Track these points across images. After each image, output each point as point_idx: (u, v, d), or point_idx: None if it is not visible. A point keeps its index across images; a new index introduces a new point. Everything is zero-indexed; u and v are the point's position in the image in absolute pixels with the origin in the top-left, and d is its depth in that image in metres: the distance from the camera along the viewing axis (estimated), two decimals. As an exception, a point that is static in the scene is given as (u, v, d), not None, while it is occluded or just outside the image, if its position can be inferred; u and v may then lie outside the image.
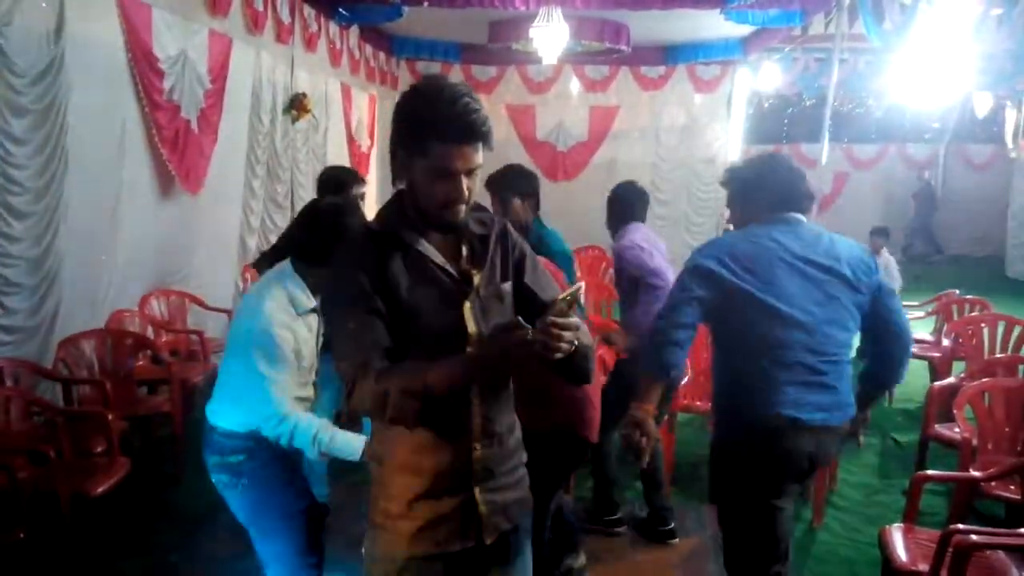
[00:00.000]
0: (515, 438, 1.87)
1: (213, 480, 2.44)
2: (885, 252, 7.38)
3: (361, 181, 3.94)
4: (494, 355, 1.54)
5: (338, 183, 3.78)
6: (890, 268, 6.95)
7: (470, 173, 1.67)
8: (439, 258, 1.72)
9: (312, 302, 2.42)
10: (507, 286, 1.81)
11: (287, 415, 2.30)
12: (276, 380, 2.31)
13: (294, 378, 2.38)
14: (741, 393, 2.45)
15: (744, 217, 2.66)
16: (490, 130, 1.65)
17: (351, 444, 2.34)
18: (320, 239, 2.39)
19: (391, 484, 1.76)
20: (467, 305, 1.72)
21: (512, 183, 3.47)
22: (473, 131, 1.62)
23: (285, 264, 2.46)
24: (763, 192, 2.58)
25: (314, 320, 2.47)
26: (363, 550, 1.85)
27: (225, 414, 2.43)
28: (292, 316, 2.37)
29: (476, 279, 1.75)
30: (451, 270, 1.73)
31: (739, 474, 2.49)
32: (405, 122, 1.67)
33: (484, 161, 1.69)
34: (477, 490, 1.76)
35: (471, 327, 1.71)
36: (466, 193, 1.67)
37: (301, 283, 2.41)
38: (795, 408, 2.36)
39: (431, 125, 1.61)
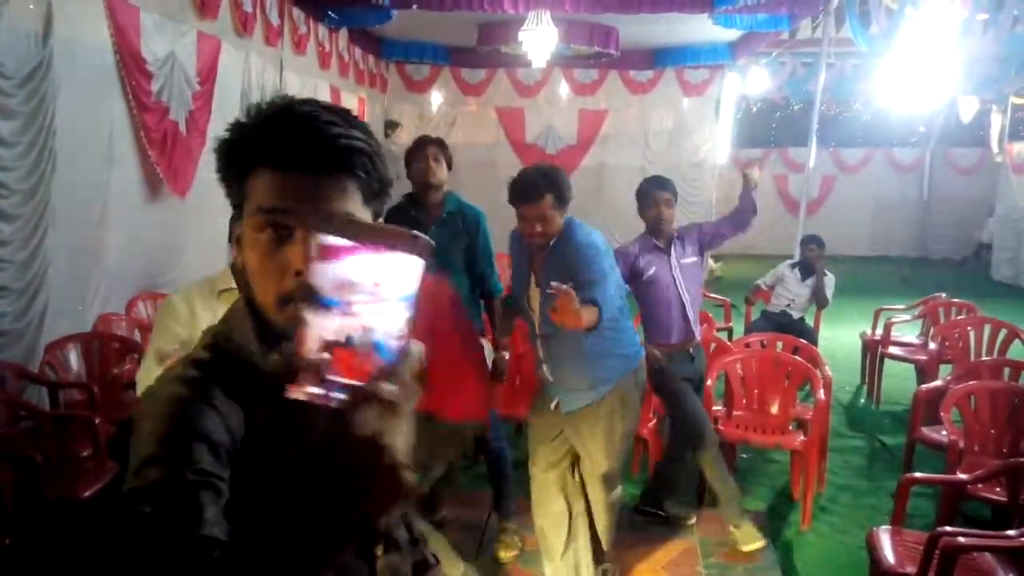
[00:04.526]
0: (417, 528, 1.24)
1: None
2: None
3: None
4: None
5: None
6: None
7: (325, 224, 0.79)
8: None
9: None
10: None
11: None
12: None
13: None
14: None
15: (556, 221, 3.14)
16: (360, 151, 0.99)
17: None
18: None
19: None
20: None
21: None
22: (319, 149, 0.96)
23: None
24: (569, 193, 3.18)
25: None
26: None
27: None
28: None
29: None
30: None
31: None
32: (221, 152, 1.08)
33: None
34: None
35: None
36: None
37: None
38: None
39: (252, 143, 1.02)
